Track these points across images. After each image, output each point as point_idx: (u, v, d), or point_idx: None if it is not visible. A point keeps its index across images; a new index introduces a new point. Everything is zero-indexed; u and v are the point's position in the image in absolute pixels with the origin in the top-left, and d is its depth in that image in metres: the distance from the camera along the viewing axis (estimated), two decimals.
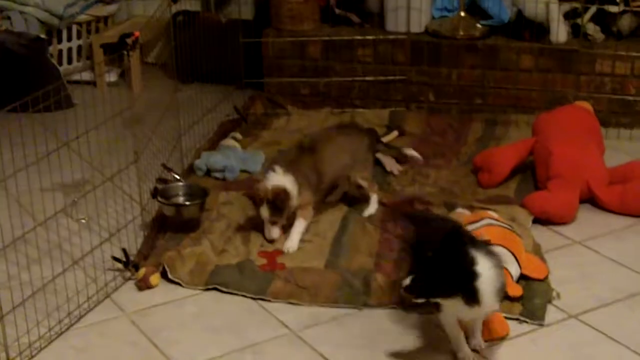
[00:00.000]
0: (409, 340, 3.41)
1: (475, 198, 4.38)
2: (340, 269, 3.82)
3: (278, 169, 4.05)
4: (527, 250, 3.79)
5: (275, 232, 4.05)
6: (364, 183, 4.30)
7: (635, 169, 4.43)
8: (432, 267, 3.04)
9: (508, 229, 3.78)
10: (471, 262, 3.00)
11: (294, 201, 4.04)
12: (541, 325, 3.45)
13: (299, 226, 4.07)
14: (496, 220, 3.82)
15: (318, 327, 3.49)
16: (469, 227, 3.75)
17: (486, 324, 3.37)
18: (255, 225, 4.12)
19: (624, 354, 3.30)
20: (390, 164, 4.73)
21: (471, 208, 4.15)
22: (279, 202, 3.99)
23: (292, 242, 4.02)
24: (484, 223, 3.77)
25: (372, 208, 4.30)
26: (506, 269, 3.54)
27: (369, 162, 4.38)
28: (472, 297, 3.00)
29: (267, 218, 4.03)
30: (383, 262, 3.84)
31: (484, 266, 3.00)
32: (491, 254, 3.08)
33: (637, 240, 4.08)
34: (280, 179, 4.02)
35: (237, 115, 5.37)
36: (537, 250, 3.91)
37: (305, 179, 4.11)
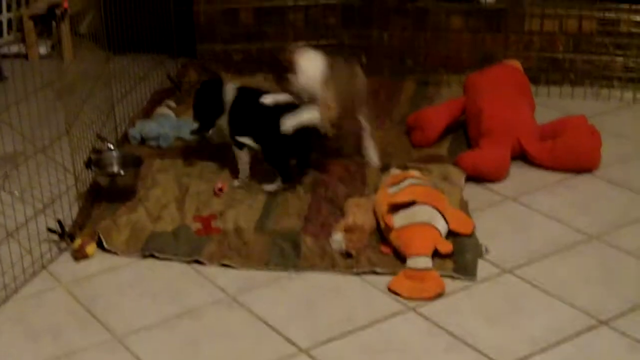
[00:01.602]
0: (344, 299, 3.45)
1: (409, 158, 4.42)
2: (269, 231, 3.84)
3: None
4: (453, 207, 3.84)
5: None
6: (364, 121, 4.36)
7: (565, 124, 4.48)
8: None
9: (431, 186, 3.83)
10: None
11: None
12: (474, 280, 3.51)
13: None
14: (419, 179, 3.87)
15: (255, 290, 3.51)
16: (392, 189, 3.81)
17: (422, 283, 3.43)
18: (190, 191, 4.13)
19: (556, 305, 3.37)
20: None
21: (405, 168, 4.19)
22: None
23: None
24: (407, 183, 3.83)
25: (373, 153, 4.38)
26: (434, 227, 3.60)
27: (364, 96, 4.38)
28: None
29: None
30: (311, 225, 3.86)
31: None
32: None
33: (568, 194, 4.15)
34: None
35: (170, 83, 5.36)
36: (464, 207, 3.95)
37: None
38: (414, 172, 3.98)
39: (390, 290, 3.46)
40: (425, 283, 3.44)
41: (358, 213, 3.78)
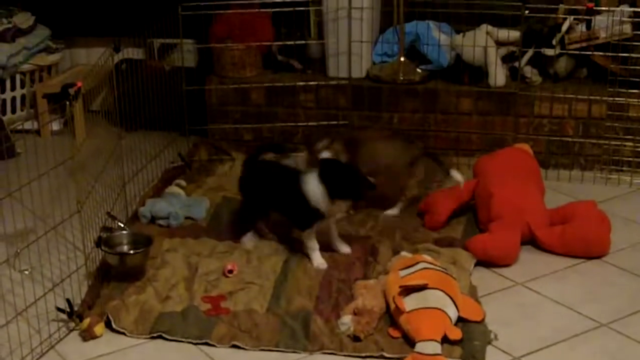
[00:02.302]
0: None
1: (423, 239, 4.43)
2: (280, 311, 3.83)
3: None
4: (463, 293, 3.84)
5: None
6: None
7: (575, 209, 4.49)
8: None
9: (443, 272, 3.83)
10: None
11: None
12: None
13: None
14: (431, 263, 3.88)
15: None
16: (404, 272, 3.81)
17: None
18: (199, 271, 4.13)
19: None
20: None
21: (416, 252, 4.20)
22: None
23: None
24: (419, 267, 3.83)
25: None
26: (445, 312, 3.59)
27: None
28: None
29: None
30: (322, 305, 3.86)
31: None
32: None
33: (578, 281, 4.14)
34: None
35: (181, 162, 5.39)
36: (472, 293, 3.95)
37: None
38: (426, 257, 3.98)
39: None
40: None
41: (368, 296, 3.78)
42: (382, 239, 4.44)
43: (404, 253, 4.15)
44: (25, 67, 6.05)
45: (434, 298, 3.64)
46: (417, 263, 3.86)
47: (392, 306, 3.70)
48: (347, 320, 3.67)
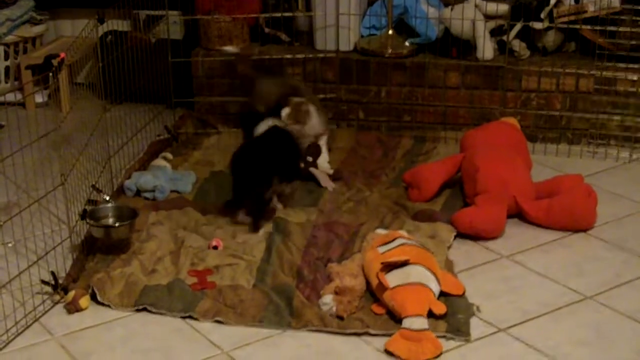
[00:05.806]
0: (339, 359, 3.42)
1: (404, 214, 4.42)
2: (266, 287, 3.81)
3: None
4: (440, 267, 3.82)
5: None
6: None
7: (562, 183, 4.49)
8: None
9: (421, 247, 3.82)
10: None
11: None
12: (467, 340, 3.49)
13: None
14: (408, 239, 3.87)
15: (249, 346, 3.49)
16: (383, 248, 3.79)
17: (419, 344, 3.40)
18: (185, 245, 4.12)
19: None
20: (324, 179, 4.76)
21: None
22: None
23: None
24: (398, 243, 3.81)
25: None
26: (428, 287, 3.59)
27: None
28: None
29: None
30: (302, 285, 3.83)
31: None
32: None
33: (563, 254, 4.14)
34: None
35: (167, 134, 5.37)
36: (449, 267, 3.94)
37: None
38: (402, 232, 3.97)
39: (387, 351, 3.43)
40: (422, 344, 3.41)
41: (346, 276, 3.75)
42: (369, 218, 4.40)
43: (378, 230, 4.12)
44: (9, 38, 6.00)
45: (416, 273, 3.63)
46: (395, 239, 3.85)
47: (375, 283, 3.68)
48: (328, 300, 3.64)
